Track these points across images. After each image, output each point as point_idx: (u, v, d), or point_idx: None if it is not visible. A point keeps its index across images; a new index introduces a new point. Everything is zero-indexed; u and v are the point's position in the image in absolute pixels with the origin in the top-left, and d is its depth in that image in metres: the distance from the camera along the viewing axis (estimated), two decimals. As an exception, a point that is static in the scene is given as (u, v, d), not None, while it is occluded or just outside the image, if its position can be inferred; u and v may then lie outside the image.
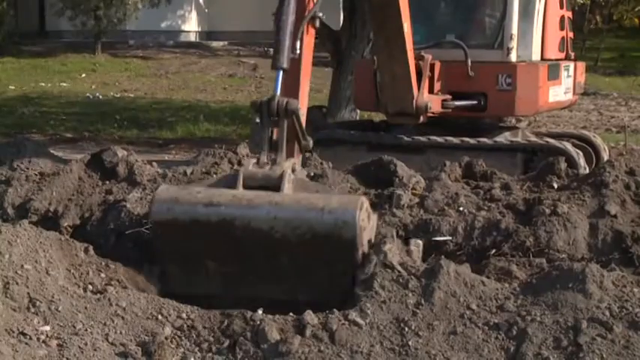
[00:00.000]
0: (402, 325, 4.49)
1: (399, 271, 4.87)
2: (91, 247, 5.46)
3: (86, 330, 4.44)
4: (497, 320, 4.52)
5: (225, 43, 33.66)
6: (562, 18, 10.24)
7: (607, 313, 4.44)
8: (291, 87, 5.58)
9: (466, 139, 9.25)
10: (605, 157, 10.54)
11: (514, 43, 9.28)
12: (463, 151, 8.55)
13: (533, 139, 9.78)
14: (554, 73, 9.69)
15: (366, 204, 5.00)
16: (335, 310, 4.60)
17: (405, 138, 9.32)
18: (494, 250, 5.89)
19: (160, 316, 4.64)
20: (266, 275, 5.02)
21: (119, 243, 6.06)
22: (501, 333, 4.42)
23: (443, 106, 9.08)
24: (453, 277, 4.78)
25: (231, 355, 4.39)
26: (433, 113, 8.83)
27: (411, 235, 6.06)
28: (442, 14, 10.20)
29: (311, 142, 5.58)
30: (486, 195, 6.52)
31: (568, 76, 10.16)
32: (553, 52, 9.89)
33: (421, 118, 8.79)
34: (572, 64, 10.31)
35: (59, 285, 4.75)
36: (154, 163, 7.34)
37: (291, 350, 4.33)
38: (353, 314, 4.54)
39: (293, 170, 5.16)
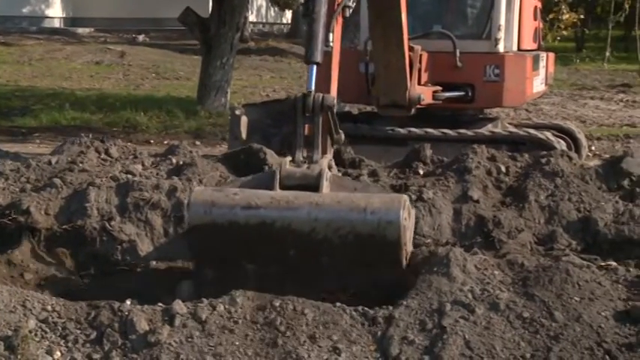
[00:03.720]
0: (269, 312, 4.51)
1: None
2: (-50, 240, 5.28)
3: (-56, 326, 4.29)
4: (364, 304, 4.60)
5: (92, 29, 32.97)
6: (535, 8, 10.24)
7: (470, 295, 4.57)
8: (324, 80, 5.44)
9: (463, 130, 9.02)
10: (585, 148, 10.55)
11: (502, 34, 9.18)
12: (451, 143, 8.44)
13: (533, 131, 9.49)
14: (536, 64, 9.66)
15: (407, 202, 4.91)
16: (204, 299, 4.59)
17: (400, 130, 9.05)
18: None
19: (23, 309, 4.51)
20: (306, 276, 4.92)
21: (-20, 235, 5.87)
22: (369, 318, 4.48)
23: (433, 98, 8.95)
24: (321, 263, 4.82)
25: (99, 347, 4.32)
26: (421, 105, 8.69)
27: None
28: (428, 5, 9.97)
29: (343, 136, 5.45)
30: (355, 182, 6.60)
31: (543, 66, 10.17)
32: (528, 43, 9.84)
33: (412, 110, 8.61)
34: (545, 55, 10.34)
35: None
36: (17, 153, 7.14)
37: (160, 340, 4.29)
38: (223, 304, 4.53)
39: (329, 167, 5.04)
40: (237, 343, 4.32)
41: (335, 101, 5.19)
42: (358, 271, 4.95)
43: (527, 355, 4.21)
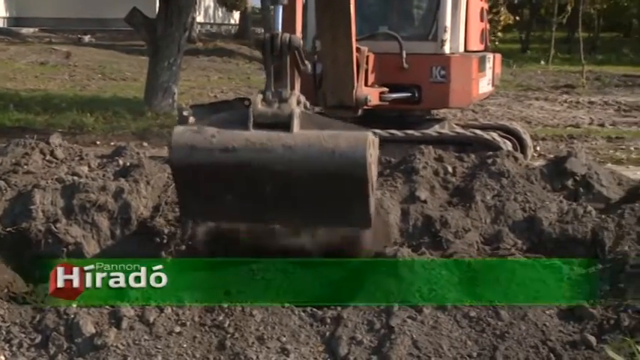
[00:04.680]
0: (217, 314, 4.49)
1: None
2: None
3: None
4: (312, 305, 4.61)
5: (36, 29, 32.54)
6: (482, 9, 10.26)
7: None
8: (289, 21, 5.63)
9: (409, 131, 9.01)
10: (530, 149, 10.62)
11: (448, 35, 9.16)
12: (399, 144, 8.42)
13: (479, 131, 9.52)
14: (482, 65, 9.70)
15: (371, 138, 5.22)
16: (152, 302, 4.56)
17: None
18: (312, 238, 5.98)
19: (-33, 314, 4.45)
20: (283, 210, 5.29)
21: None
22: (317, 318, 4.49)
23: (380, 99, 8.94)
24: (269, 264, 4.82)
25: (44, 351, 4.27)
26: (368, 106, 8.62)
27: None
28: (374, 6, 9.93)
29: (309, 66, 5.71)
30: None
31: (489, 67, 10.22)
32: (475, 44, 9.85)
33: (359, 111, 8.60)
34: (492, 55, 10.39)
35: None
36: (-40, 154, 7.01)
37: (106, 343, 4.26)
38: (171, 306, 4.51)
39: (298, 102, 5.30)
40: (184, 346, 4.30)
41: (301, 41, 5.42)
42: (329, 206, 5.26)
43: (474, 354, 4.25)
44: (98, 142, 13.12)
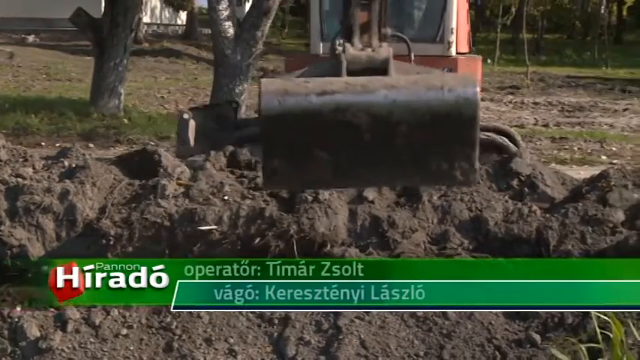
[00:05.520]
0: (164, 316, 4.47)
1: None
2: None
3: None
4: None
5: (-21, 29, 32.03)
6: (467, 11, 10.31)
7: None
8: None
9: None
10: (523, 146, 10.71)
11: (454, 37, 9.22)
12: None
13: (492, 134, 9.51)
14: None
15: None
16: (97, 304, 4.52)
17: None
18: (258, 239, 5.97)
19: None
20: (383, 162, 4.80)
21: None
22: (265, 319, 4.49)
23: None
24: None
25: (-12, 356, 4.22)
26: None
27: (177, 224, 6.05)
28: None
29: (389, 31, 5.41)
30: (251, 184, 6.60)
31: None
32: (463, 46, 9.96)
33: None
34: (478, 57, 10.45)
35: None
36: None
37: (52, 347, 4.22)
38: (117, 308, 4.48)
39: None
40: (131, 348, 4.27)
41: None
42: (434, 153, 4.92)
43: (421, 353, 4.29)
44: (43, 144, 12.97)
